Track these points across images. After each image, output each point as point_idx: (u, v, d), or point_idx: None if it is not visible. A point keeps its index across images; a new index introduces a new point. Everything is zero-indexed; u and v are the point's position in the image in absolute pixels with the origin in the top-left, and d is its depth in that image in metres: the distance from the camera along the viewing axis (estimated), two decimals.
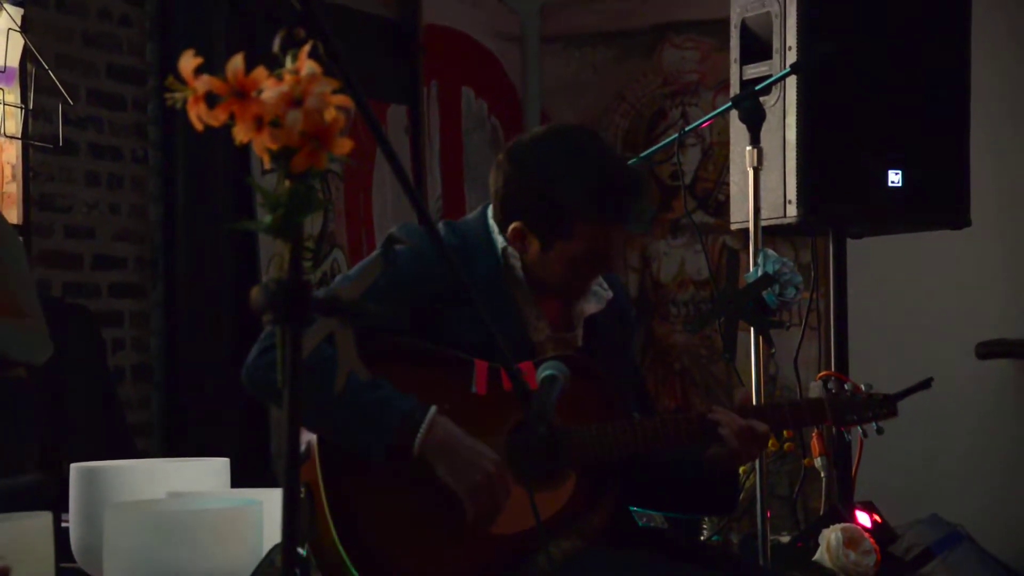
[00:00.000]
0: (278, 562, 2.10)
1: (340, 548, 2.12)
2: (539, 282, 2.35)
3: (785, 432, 3.82)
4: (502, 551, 2.17)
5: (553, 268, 2.32)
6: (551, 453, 2.26)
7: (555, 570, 2.17)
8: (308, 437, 2.20)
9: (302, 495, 2.14)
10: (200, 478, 2.56)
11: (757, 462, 3.08)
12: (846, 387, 2.55)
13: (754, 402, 2.92)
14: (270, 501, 2.26)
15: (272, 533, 2.18)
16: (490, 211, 2.39)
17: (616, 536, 2.34)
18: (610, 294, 2.44)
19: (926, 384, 2.65)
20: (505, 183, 2.33)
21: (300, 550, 2.15)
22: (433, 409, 2.13)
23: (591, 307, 2.41)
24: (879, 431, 2.59)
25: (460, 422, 2.16)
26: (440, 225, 2.39)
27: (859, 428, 2.57)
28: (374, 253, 2.10)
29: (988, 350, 5.04)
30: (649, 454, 2.36)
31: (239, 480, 2.70)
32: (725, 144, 3.61)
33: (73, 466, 2.60)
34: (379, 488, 2.17)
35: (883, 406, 2.57)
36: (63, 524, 2.65)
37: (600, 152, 2.33)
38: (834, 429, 2.60)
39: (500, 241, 2.34)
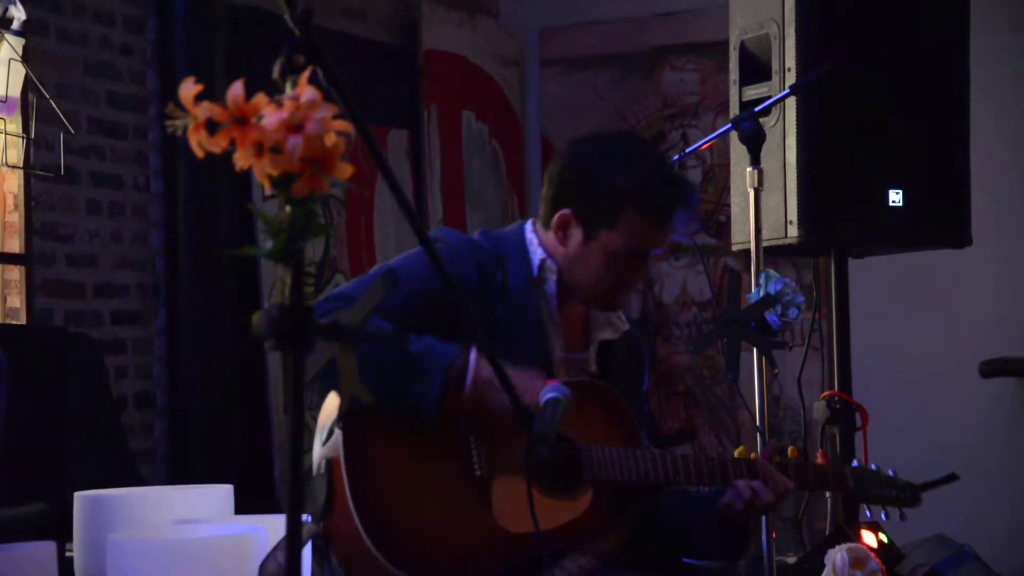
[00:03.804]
0: (280, 557, 2.10)
1: (357, 523, 2.12)
2: (570, 286, 2.39)
3: (790, 451, 3.81)
4: (514, 547, 2.18)
5: (589, 263, 2.36)
6: (571, 466, 2.29)
7: None
8: (330, 419, 2.22)
9: (321, 471, 2.17)
10: (204, 505, 2.55)
11: None
12: (872, 466, 2.55)
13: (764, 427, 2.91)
14: (274, 527, 2.25)
15: None
16: (528, 226, 2.44)
17: (626, 558, 2.34)
18: (626, 326, 2.48)
19: (952, 477, 2.65)
20: (562, 170, 2.40)
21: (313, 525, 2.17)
22: (475, 351, 2.17)
23: (606, 333, 2.46)
24: (902, 517, 2.58)
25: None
26: (476, 233, 2.45)
27: (882, 510, 2.56)
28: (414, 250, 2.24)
29: (991, 368, 5.04)
30: (666, 488, 2.38)
31: (243, 506, 2.69)
32: (725, 165, 3.62)
33: (77, 495, 2.59)
34: (399, 468, 2.19)
35: (906, 491, 2.57)
36: (67, 553, 2.64)
37: (658, 154, 2.47)
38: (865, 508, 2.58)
39: (539, 253, 2.39)
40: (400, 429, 2.22)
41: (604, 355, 2.47)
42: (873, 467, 2.56)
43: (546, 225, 2.41)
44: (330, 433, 2.21)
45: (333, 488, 2.17)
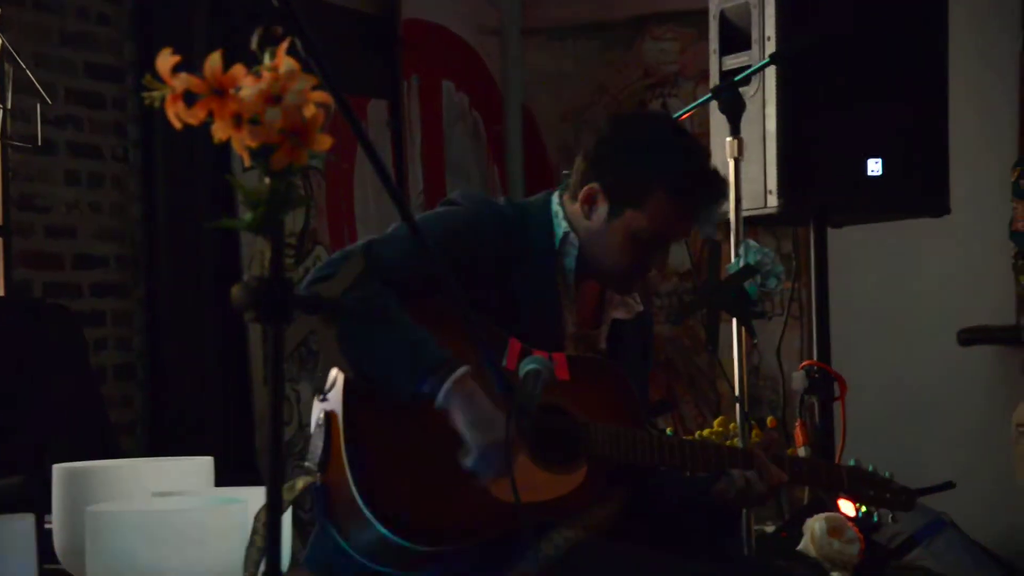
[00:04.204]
0: (258, 541, 2.11)
1: (349, 478, 2.13)
2: (589, 261, 2.39)
3: (769, 421, 3.83)
4: (503, 517, 2.18)
5: (611, 240, 2.36)
6: (569, 440, 2.30)
7: (557, 557, 2.19)
8: (335, 372, 2.22)
9: (320, 423, 2.18)
10: (184, 477, 2.55)
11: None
12: (869, 467, 2.56)
13: (745, 399, 2.92)
14: (254, 499, 2.25)
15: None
16: (555, 197, 2.44)
17: (617, 533, 2.35)
18: (641, 308, 2.49)
19: (949, 485, 2.66)
20: (599, 142, 2.41)
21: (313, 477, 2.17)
22: (466, 367, 2.15)
23: (620, 313, 2.47)
24: (894, 520, 2.59)
25: (485, 390, 2.18)
26: (501, 199, 2.45)
27: (874, 511, 2.57)
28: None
29: (970, 337, 5.06)
30: (661, 471, 2.39)
31: (223, 478, 2.69)
32: (705, 135, 3.61)
33: (56, 467, 2.59)
34: (397, 428, 2.19)
35: (901, 494, 2.58)
36: (46, 525, 2.64)
37: (698, 145, 2.45)
38: (857, 507, 2.59)
39: (563, 226, 2.39)
40: None
41: (614, 334, 2.48)
42: (870, 468, 2.57)
43: (573, 197, 2.41)
44: (331, 385, 2.21)
45: (331, 442, 2.18)
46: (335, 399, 2.19)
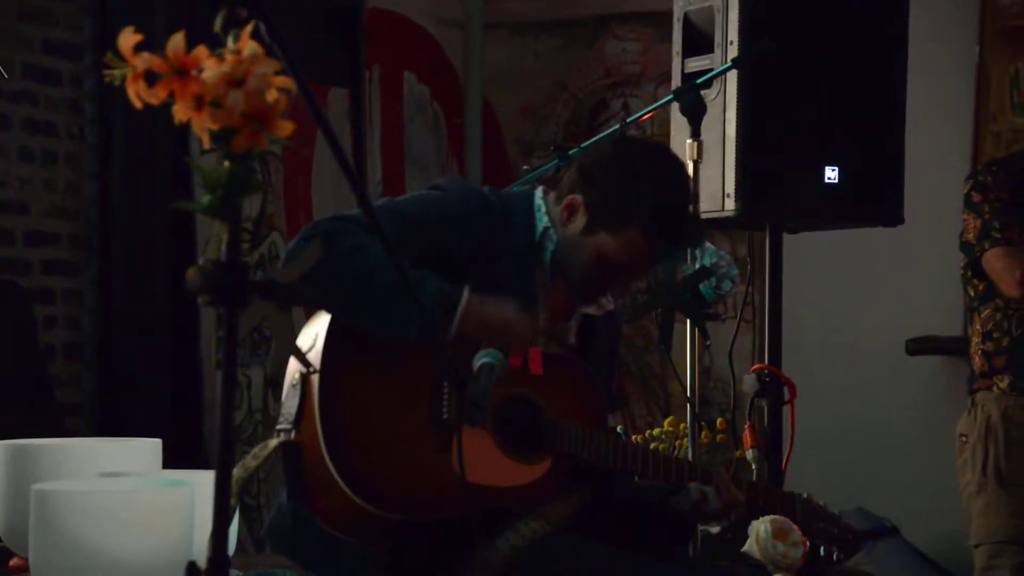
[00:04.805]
0: (249, 462, 2.12)
1: (321, 440, 2.14)
2: (560, 267, 2.41)
3: (718, 422, 3.85)
4: (463, 496, 2.18)
5: (582, 254, 2.39)
6: (537, 434, 2.32)
7: (521, 549, 2.21)
8: (316, 330, 2.22)
9: (295, 383, 2.18)
10: (131, 459, 2.53)
11: (690, 453, 3.11)
12: (820, 502, 2.59)
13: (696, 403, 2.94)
14: (202, 483, 2.24)
15: (204, 515, 2.16)
16: (538, 192, 2.46)
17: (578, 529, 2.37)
18: (611, 306, 2.51)
19: (893, 531, 2.66)
20: (598, 159, 2.44)
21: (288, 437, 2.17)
22: (468, 288, 2.18)
23: (591, 309, 2.49)
24: (838, 560, 2.61)
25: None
26: (486, 188, 2.47)
27: (821, 547, 2.60)
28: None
29: (917, 346, 5.11)
30: (620, 476, 2.43)
31: (171, 461, 2.68)
32: (665, 136, 3.63)
33: (1, 443, 2.56)
34: (371, 397, 2.21)
35: (848, 533, 2.61)
36: None
37: (688, 187, 2.49)
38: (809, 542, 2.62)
39: (544, 221, 2.41)
40: (380, 361, 2.24)
41: (583, 329, 2.51)
42: (821, 503, 2.60)
43: (558, 199, 2.44)
44: (311, 347, 2.21)
45: (305, 402, 2.19)
46: (313, 359, 2.19)
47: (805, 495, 2.58)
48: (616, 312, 2.57)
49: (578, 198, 2.40)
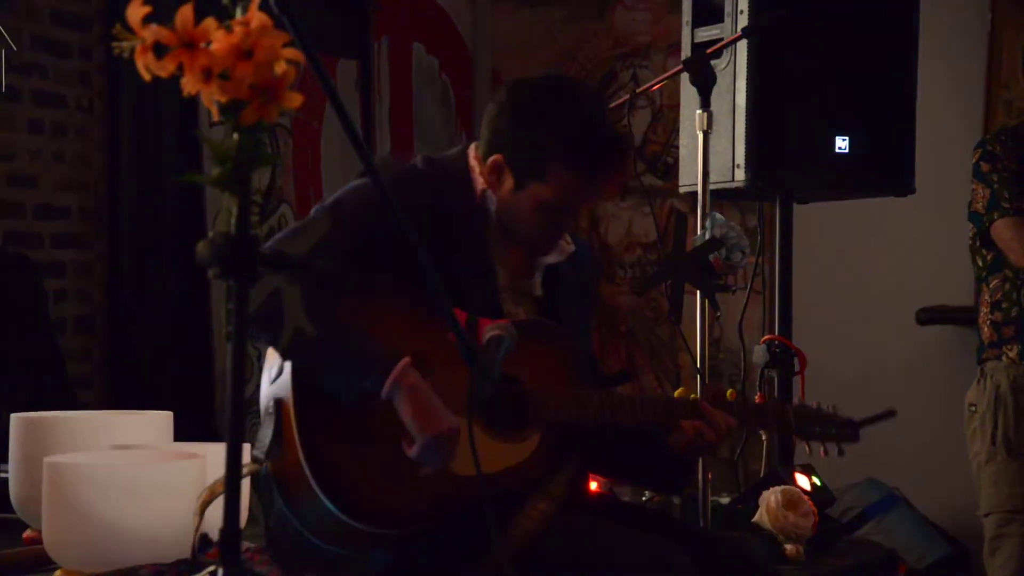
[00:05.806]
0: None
1: (303, 463, 2.12)
2: (507, 227, 2.36)
3: (728, 393, 3.85)
4: (461, 490, 2.17)
5: (521, 211, 2.33)
6: (518, 409, 2.28)
7: (537, 533, 2.19)
8: (278, 357, 2.20)
9: (269, 411, 2.16)
10: (142, 431, 2.54)
11: None
12: (813, 404, 2.58)
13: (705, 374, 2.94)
14: (213, 455, 2.25)
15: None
16: (471, 151, 2.40)
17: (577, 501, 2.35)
18: (572, 248, 2.45)
19: (890, 413, 2.68)
20: (498, 113, 2.37)
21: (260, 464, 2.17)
22: (406, 359, 2.13)
23: (551, 257, 2.43)
24: (840, 453, 2.61)
25: (433, 365, 2.17)
26: (418, 159, 2.40)
27: (821, 445, 2.59)
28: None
29: (928, 316, 5.11)
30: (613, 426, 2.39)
31: (182, 434, 2.68)
32: (675, 107, 3.62)
33: (13, 416, 2.57)
34: (350, 410, 2.17)
35: (846, 428, 2.60)
36: (2, 475, 2.62)
37: (593, 109, 2.35)
38: (801, 441, 2.62)
39: (480, 182, 2.36)
40: None
41: (549, 279, 2.45)
42: (813, 405, 2.59)
43: (484, 155, 2.37)
44: (279, 372, 2.19)
45: (281, 428, 2.15)
46: (283, 385, 2.16)
47: (795, 401, 2.57)
48: (583, 252, 2.48)
49: (498, 158, 2.33)
